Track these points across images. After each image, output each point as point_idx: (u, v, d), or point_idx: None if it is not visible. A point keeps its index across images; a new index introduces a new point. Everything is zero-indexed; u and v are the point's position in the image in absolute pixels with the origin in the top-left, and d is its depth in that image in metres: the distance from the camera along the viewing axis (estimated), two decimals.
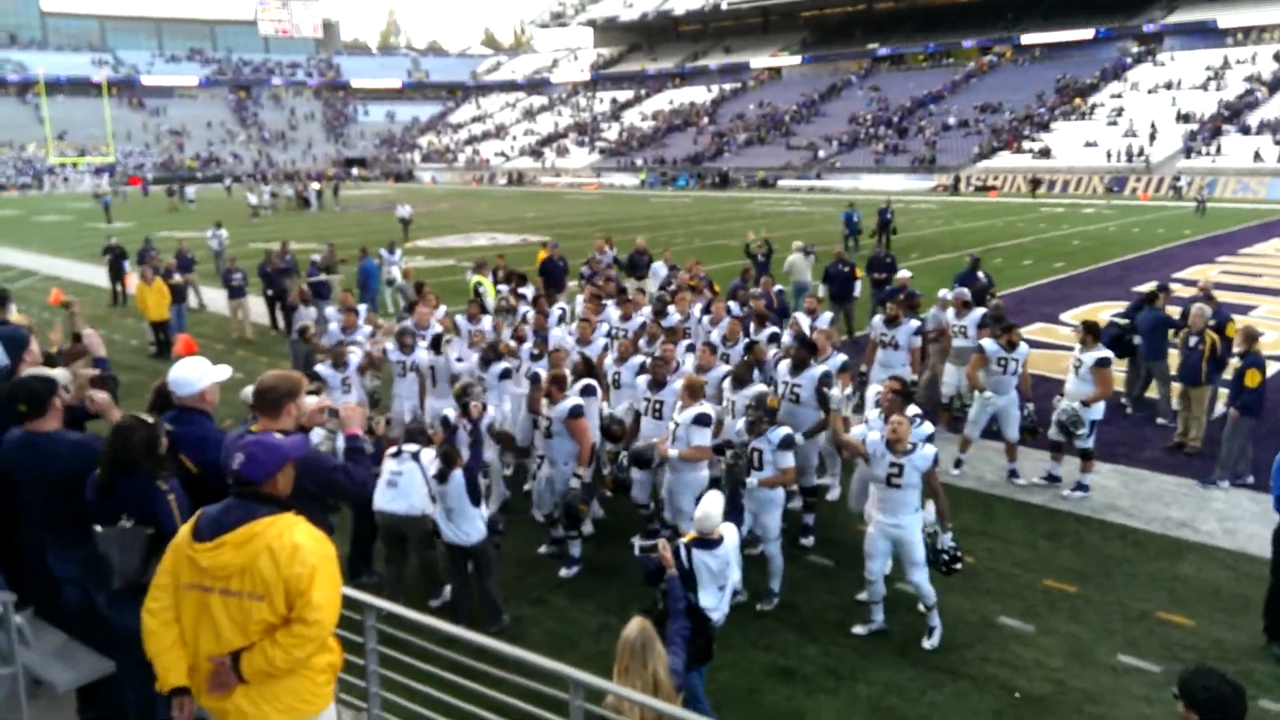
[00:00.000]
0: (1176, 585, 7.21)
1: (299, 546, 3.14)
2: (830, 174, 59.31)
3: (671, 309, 10.82)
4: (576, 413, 7.35)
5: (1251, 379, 8.63)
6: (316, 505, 3.96)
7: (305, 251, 24.81)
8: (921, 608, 6.44)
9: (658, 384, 7.88)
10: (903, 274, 12.41)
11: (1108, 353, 9.03)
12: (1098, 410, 8.88)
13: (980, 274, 13.27)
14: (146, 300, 15.42)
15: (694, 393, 7.26)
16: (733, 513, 5.63)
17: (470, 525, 6.42)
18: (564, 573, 7.49)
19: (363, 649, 4.24)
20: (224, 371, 4.56)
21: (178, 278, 16.73)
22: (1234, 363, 9.04)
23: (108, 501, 3.97)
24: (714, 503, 5.23)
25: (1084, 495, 8.89)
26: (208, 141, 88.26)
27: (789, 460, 6.74)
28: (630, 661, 3.76)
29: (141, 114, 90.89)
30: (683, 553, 5.10)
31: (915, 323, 10.04)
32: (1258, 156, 44.61)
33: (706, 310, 10.72)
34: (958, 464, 9.54)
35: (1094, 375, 8.86)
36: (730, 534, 5.27)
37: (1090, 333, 9.13)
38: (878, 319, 10.17)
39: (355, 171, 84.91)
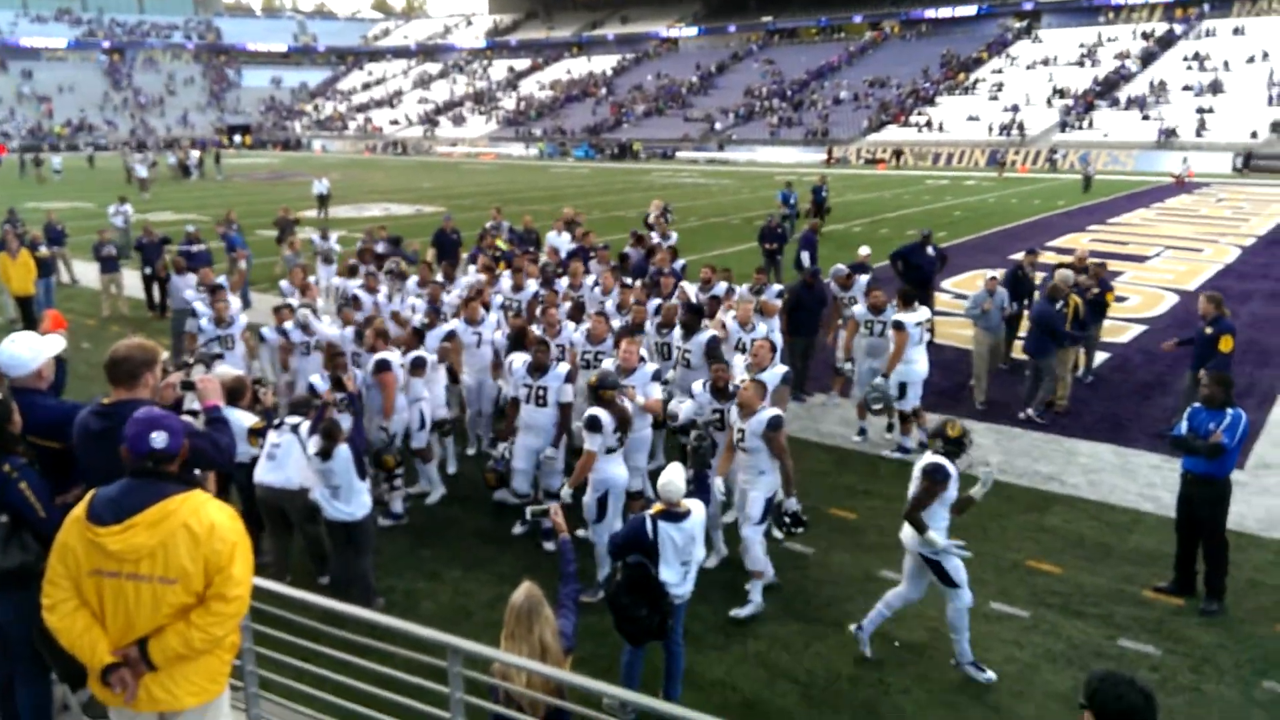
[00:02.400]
0: (1044, 536, 7.64)
1: (216, 524, 3.09)
2: (728, 146, 59.85)
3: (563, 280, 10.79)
4: (381, 366, 7.64)
5: (1225, 344, 8.91)
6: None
7: (182, 222, 23.77)
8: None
9: (539, 369, 7.33)
10: (863, 250, 12.47)
11: (900, 316, 9.23)
12: (912, 373, 9.16)
13: (930, 249, 13.25)
14: (10, 274, 14.48)
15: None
16: (699, 492, 5.70)
17: (357, 501, 6.31)
18: (382, 521, 7.62)
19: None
20: (57, 343, 4.33)
21: (44, 250, 15.75)
22: (1207, 330, 9.15)
23: None
24: (677, 471, 5.22)
25: (904, 456, 9.23)
26: (79, 107, 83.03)
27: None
28: (516, 627, 3.77)
29: (5, 77, 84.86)
30: (648, 524, 5.10)
31: (777, 286, 10.37)
32: (1172, 133, 46.63)
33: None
34: (861, 432, 9.87)
35: (893, 338, 9.24)
36: (698, 509, 5.29)
37: (903, 298, 9.45)
38: (744, 287, 10.38)
39: (239, 139, 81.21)
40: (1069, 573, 7.03)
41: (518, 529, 7.72)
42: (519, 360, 7.49)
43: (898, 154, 52.25)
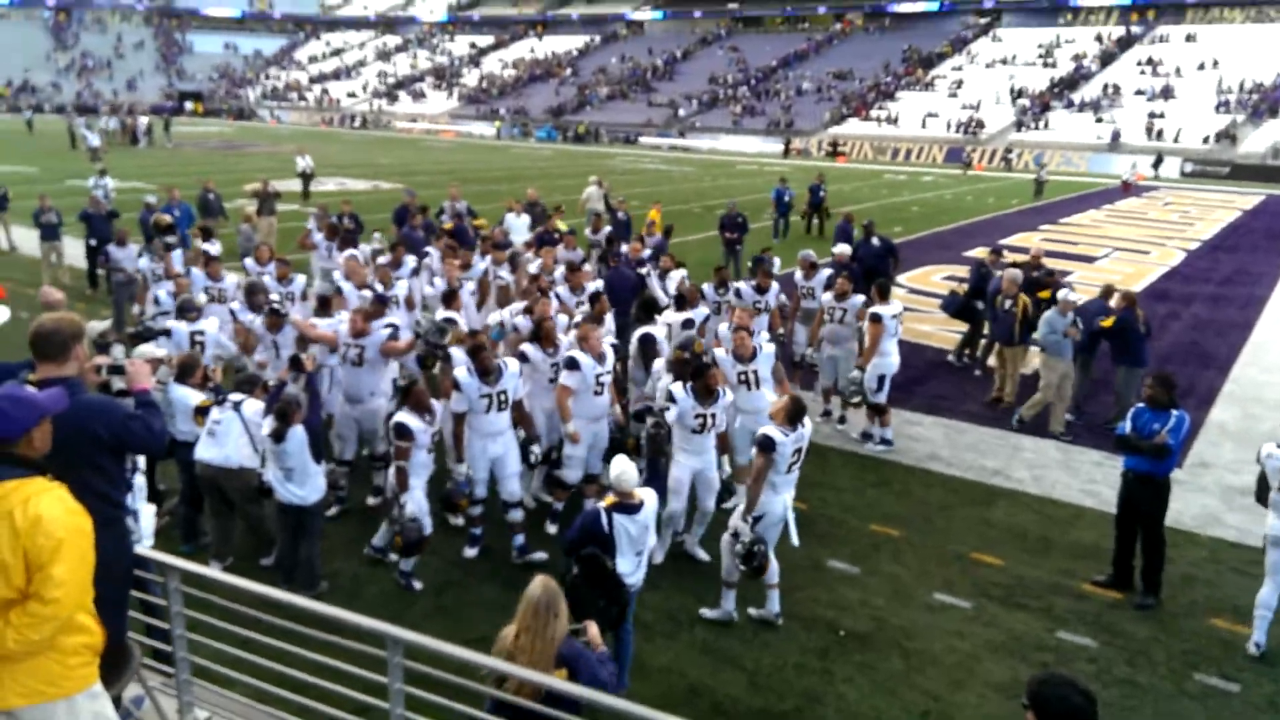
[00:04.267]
0: (988, 528, 7.77)
1: (43, 518, 2.88)
2: (689, 133, 59.78)
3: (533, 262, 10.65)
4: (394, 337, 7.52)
5: (1106, 322, 9.39)
6: (112, 455, 3.69)
7: (135, 191, 23.17)
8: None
9: (490, 373, 6.76)
10: (843, 248, 12.37)
11: (877, 309, 9.22)
12: (889, 365, 9.23)
13: (875, 240, 13.30)
14: None
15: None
16: (653, 479, 5.64)
17: (311, 485, 6.21)
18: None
19: (168, 613, 4.04)
20: (1, 314, 4.20)
21: None
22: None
23: None
24: (627, 462, 5.19)
25: (888, 448, 9.36)
26: (22, 67, 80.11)
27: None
28: (533, 621, 3.58)
29: None
30: (603, 517, 5.07)
31: (776, 285, 10.25)
32: (1118, 136, 47.39)
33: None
34: (825, 414, 10.07)
35: (868, 330, 9.27)
36: (650, 499, 5.26)
37: (880, 290, 9.52)
38: (746, 286, 10.14)
39: (189, 106, 78.87)
40: (1011, 565, 7.16)
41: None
42: (463, 372, 6.81)
43: (834, 145, 53.01)
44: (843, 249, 12.35)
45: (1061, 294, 9.98)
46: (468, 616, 6.26)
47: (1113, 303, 10.04)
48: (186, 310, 8.29)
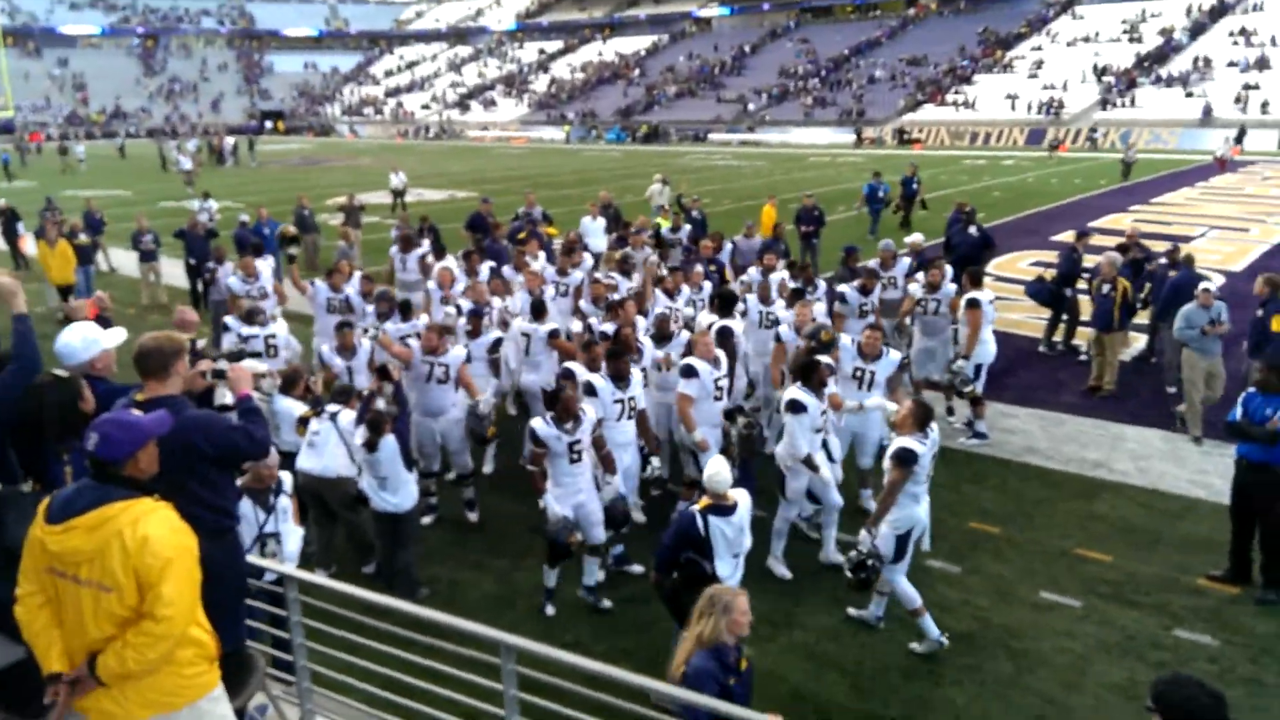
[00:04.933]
0: (1093, 523, 7.50)
1: (150, 538, 2.95)
2: (759, 127, 59.29)
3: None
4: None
5: (1277, 324, 8.75)
6: (217, 468, 3.80)
7: (227, 210, 24.03)
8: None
9: (622, 378, 6.79)
10: (916, 238, 11.95)
11: (974, 295, 8.95)
12: (987, 354, 8.97)
13: (973, 229, 12.94)
14: (49, 263, 14.68)
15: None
16: (744, 480, 5.58)
17: (404, 492, 6.32)
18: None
19: (287, 623, 4.15)
20: (118, 335, 4.34)
21: (83, 238, 15.90)
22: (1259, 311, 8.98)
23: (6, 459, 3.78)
24: (721, 463, 5.16)
25: (981, 442, 9.08)
26: (114, 94, 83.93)
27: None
28: (702, 606, 4.04)
29: (40, 64, 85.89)
30: (698, 520, 5.02)
31: (879, 285, 9.98)
32: (1209, 111, 45.16)
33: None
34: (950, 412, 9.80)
35: (966, 317, 8.95)
36: (745, 500, 5.21)
37: (972, 278, 9.30)
38: (850, 290, 9.69)
39: (270, 125, 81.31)
40: (1120, 561, 6.89)
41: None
42: (599, 378, 6.77)
43: (901, 133, 51.92)
44: (916, 238, 12.01)
45: (1201, 286, 9.30)
46: (561, 620, 6.30)
47: (1255, 289, 9.15)
48: (254, 316, 8.57)
